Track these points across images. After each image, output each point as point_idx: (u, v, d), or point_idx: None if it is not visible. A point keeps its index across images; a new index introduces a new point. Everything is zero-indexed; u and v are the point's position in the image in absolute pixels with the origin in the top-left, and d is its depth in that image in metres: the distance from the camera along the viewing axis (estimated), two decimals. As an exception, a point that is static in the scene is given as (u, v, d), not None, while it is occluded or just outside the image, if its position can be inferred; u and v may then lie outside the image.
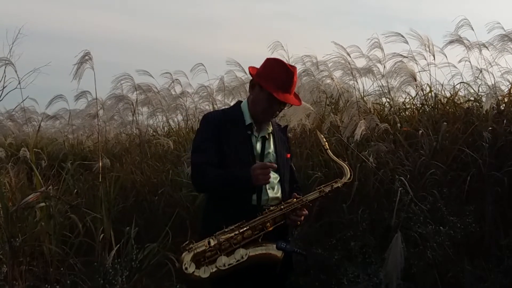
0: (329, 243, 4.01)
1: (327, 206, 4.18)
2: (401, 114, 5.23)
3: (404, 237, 3.64)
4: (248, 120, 2.37)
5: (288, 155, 2.49)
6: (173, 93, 6.79)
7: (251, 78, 2.40)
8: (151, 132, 6.58)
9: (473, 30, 5.05)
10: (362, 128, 4.19)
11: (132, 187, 5.03)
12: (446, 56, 5.14)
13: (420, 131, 4.37)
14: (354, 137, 4.19)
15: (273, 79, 2.28)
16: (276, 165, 2.25)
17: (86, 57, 4.29)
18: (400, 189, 3.86)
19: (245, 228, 2.15)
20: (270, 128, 2.43)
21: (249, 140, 2.34)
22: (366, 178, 4.21)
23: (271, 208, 2.24)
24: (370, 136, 4.43)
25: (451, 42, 5.06)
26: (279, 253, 2.15)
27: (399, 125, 4.75)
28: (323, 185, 2.33)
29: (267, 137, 2.41)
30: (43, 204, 4.03)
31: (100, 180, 4.28)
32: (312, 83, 5.14)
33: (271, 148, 2.40)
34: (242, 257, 2.11)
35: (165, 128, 6.80)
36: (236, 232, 2.14)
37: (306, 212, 2.32)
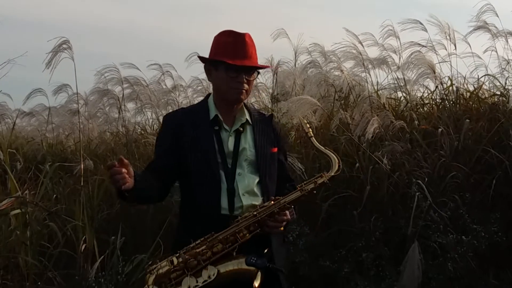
0: (338, 254, 4.01)
1: (335, 213, 4.18)
2: (419, 110, 5.23)
3: (422, 248, 3.66)
4: (213, 113, 2.27)
5: (275, 149, 2.33)
6: (164, 86, 6.80)
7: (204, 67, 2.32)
8: (139, 130, 6.58)
9: (497, 16, 5.05)
10: (375, 125, 4.19)
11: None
12: (469, 45, 5.15)
13: (440, 129, 4.37)
14: (366, 136, 4.19)
15: (223, 49, 2.21)
16: (116, 162, 1.96)
17: (64, 45, 4.25)
18: (417, 194, 3.87)
19: (214, 242, 2.05)
20: (245, 117, 2.29)
21: (216, 137, 2.23)
22: (379, 181, 4.22)
23: (245, 215, 2.11)
24: (384, 135, 4.44)
25: (476, 29, 5.07)
26: (252, 268, 2.04)
27: (416, 122, 4.75)
28: (305, 182, 2.19)
29: (241, 129, 2.28)
30: (18, 211, 4.04)
31: (82, 184, 4.28)
32: (320, 75, 5.14)
33: (248, 142, 2.27)
34: (210, 277, 2.00)
35: (155, 126, 6.80)
36: (204, 247, 2.04)
37: (288, 217, 2.17)
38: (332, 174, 2.19)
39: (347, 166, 4.38)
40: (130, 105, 6.37)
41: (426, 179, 4.05)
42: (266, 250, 2.11)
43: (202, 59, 2.32)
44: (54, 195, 4.75)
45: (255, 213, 2.09)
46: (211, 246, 2.04)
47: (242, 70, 2.20)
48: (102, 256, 3.88)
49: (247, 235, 2.08)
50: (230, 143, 2.23)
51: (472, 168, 4.20)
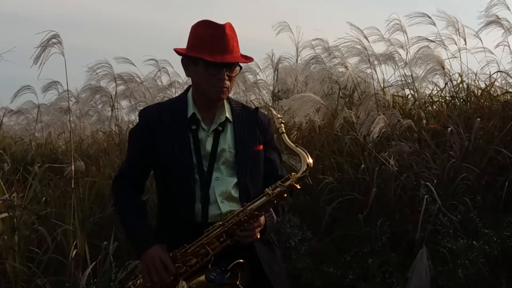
0: (342, 260, 4.00)
1: (340, 216, 4.18)
2: (427, 108, 5.23)
3: (430, 253, 3.65)
4: (191, 110, 2.18)
5: (259, 147, 2.21)
6: (160, 83, 6.79)
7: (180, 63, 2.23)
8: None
9: (509, 10, 5.05)
10: (381, 124, 4.19)
11: (111, 194, 5.01)
12: (481, 40, 5.14)
13: (450, 129, 4.37)
14: (372, 135, 4.18)
15: (201, 43, 2.11)
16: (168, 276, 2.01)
17: (53, 40, 4.22)
18: (426, 196, 3.86)
19: (186, 255, 2.03)
20: (225, 115, 2.19)
21: (193, 137, 2.14)
22: (386, 183, 4.21)
23: (214, 225, 2.04)
24: (390, 135, 4.43)
25: (487, 24, 5.07)
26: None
27: (424, 121, 4.75)
28: (272, 186, 2.07)
29: (221, 128, 2.17)
30: (6, 214, 4.03)
31: (73, 186, 4.27)
32: (323, 71, 5.12)
33: (227, 143, 2.16)
34: None
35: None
36: (178, 262, 2.03)
37: (260, 223, 2.08)
38: (299, 175, 2.09)
39: (352, 167, 4.39)
40: (124, 103, 6.37)
41: (435, 181, 4.04)
42: (238, 261, 2.02)
43: (179, 53, 2.20)
44: (44, 198, 4.73)
45: (221, 222, 2.03)
46: (184, 261, 2.03)
47: (223, 66, 2.10)
48: (94, 262, 3.87)
49: (219, 246, 2.03)
50: (208, 144, 2.14)
51: (483, 169, 4.19)
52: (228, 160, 2.14)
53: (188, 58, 2.15)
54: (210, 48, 2.08)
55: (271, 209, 2.14)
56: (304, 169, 2.08)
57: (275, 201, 2.07)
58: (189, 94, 2.23)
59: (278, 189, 2.06)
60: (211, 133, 2.16)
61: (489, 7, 5.07)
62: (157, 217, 2.26)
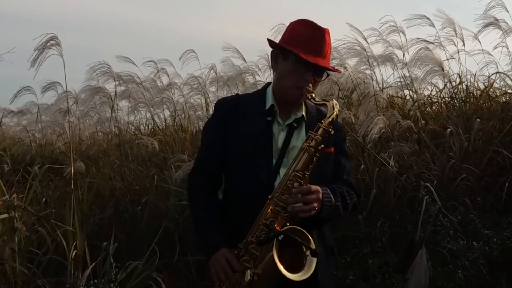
0: (342, 261, 3.99)
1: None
2: (426, 109, 5.22)
3: (430, 254, 3.63)
4: (269, 102, 2.16)
5: (330, 149, 2.16)
6: (159, 84, 6.77)
7: (270, 54, 2.22)
8: (133, 130, 6.55)
9: (507, 11, 5.06)
10: (380, 125, 4.17)
11: (110, 195, 5.00)
12: (479, 42, 5.15)
13: (449, 130, 4.35)
14: (369, 136, 4.16)
15: (298, 40, 2.08)
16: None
17: (52, 42, 4.17)
18: (426, 197, 3.85)
19: (251, 244, 2.00)
20: (302, 112, 2.17)
21: (267, 130, 2.12)
22: (386, 184, 4.19)
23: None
24: (390, 135, 4.41)
25: (485, 26, 5.07)
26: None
27: (423, 121, 4.74)
28: (307, 141, 2.01)
29: (295, 124, 2.15)
30: (5, 215, 4.01)
31: (72, 187, 4.25)
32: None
33: (300, 140, 2.13)
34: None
35: (149, 125, 6.78)
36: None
37: (316, 194, 1.98)
38: (328, 119, 2.01)
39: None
40: (124, 103, 6.36)
41: (435, 181, 4.03)
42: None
43: (271, 43, 2.19)
44: (44, 199, 4.72)
45: (270, 196, 2.01)
46: (249, 252, 2.00)
47: (312, 68, 2.07)
48: (94, 263, 3.85)
49: (277, 220, 1.97)
50: (280, 138, 2.13)
51: (483, 170, 4.18)
52: None
53: (280, 50, 2.14)
54: (306, 47, 2.06)
55: (328, 190, 2.07)
56: (332, 113, 2.02)
57: (315, 154, 1.99)
58: (269, 88, 2.22)
59: (313, 140, 2.00)
60: (285, 128, 2.15)
61: (487, 9, 5.07)
62: (222, 203, 2.24)
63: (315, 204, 1.98)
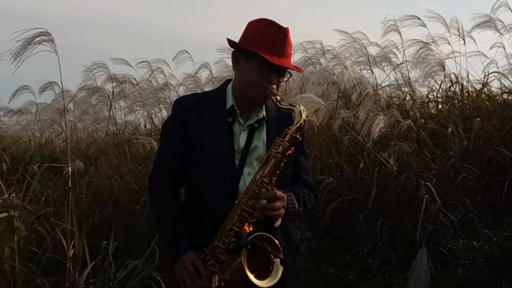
0: (342, 260, 3.98)
1: (339, 217, 4.15)
2: (426, 108, 5.21)
3: (430, 253, 3.61)
4: (229, 102, 2.14)
5: (291, 149, 2.10)
6: (155, 84, 6.77)
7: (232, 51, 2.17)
8: (131, 130, 6.55)
9: (511, 11, 5.05)
10: (380, 125, 4.17)
11: (109, 194, 5.00)
12: (475, 42, 5.21)
13: (449, 129, 4.34)
14: (371, 135, 4.16)
15: (261, 40, 2.05)
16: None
17: (43, 37, 4.03)
18: (426, 196, 3.84)
19: (217, 249, 1.99)
20: (262, 113, 2.16)
21: (228, 130, 2.11)
22: (385, 183, 4.18)
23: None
24: (390, 135, 4.40)
25: (481, 25, 5.08)
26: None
27: (422, 120, 4.73)
28: (274, 147, 2.01)
29: (257, 125, 2.14)
30: (5, 214, 3.99)
31: (69, 185, 4.24)
32: (323, 72, 5.10)
33: (261, 140, 2.14)
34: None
35: (147, 125, 6.78)
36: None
37: (280, 200, 2.00)
38: (295, 125, 2.01)
39: (351, 167, 4.37)
40: (121, 103, 6.36)
41: (435, 181, 4.02)
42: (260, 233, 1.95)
43: (232, 43, 2.15)
44: (43, 198, 4.71)
45: (236, 201, 2.00)
46: (216, 256, 1.99)
47: (276, 69, 2.06)
48: (93, 262, 3.83)
49: (244, 226, 1.97)
50: (241, 139, 2.12)
51: (483, 170, 4.18)
52: (261, 156, 2.11)
53: (242, 51, 2.10)
54: (270, 48, 2.04)
55: (293, 196, 2.10)
56: (299, 119, 2.02)
57: (282, 160, 2.00)
58: (229, 87, 2.19)
59: (280, 147, 2.00)
60: (246, 128, 2.13)
61: (493, 9, 5.09)
62: (184, 205, 2.22)
63: (282, 211, 2.02)
